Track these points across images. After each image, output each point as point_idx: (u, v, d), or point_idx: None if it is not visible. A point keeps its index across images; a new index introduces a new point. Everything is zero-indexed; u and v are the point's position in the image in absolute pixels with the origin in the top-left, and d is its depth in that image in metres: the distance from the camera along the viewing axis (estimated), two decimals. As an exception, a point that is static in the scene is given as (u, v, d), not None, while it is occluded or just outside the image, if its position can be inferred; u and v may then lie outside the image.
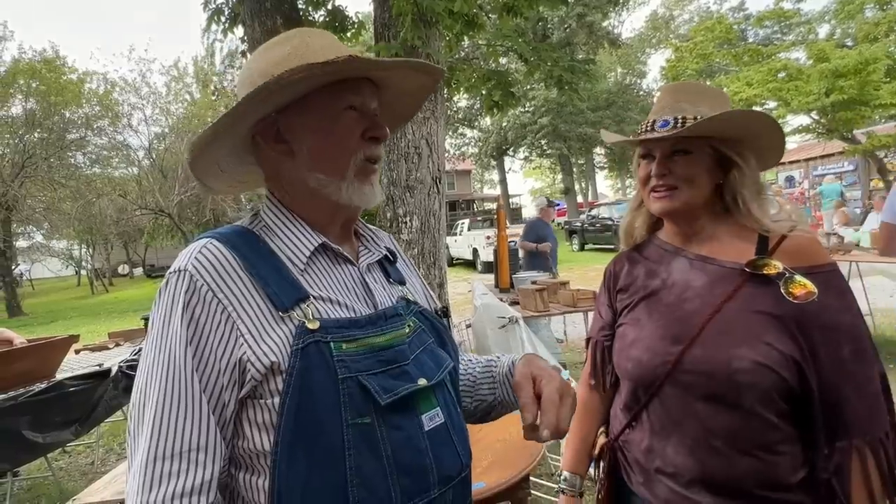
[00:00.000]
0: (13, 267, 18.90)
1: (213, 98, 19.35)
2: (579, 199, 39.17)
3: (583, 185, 43.45)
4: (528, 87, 23.30)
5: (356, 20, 6.87)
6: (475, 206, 33.91)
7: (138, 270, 31.00)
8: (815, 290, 1.00)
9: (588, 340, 1.39)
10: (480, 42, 5.81)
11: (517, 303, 4.38)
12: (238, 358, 0.76)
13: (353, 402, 0.77)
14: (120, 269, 29.82)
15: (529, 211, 45.11)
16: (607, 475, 1.26)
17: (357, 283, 0.92)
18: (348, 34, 7.09)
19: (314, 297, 0.84)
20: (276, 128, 0.87)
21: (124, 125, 19.05)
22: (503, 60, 9.39)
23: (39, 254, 23.10)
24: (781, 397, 1.00)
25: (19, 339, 4.08)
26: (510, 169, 41.95)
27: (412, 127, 4.90)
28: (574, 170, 37.53)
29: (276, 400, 0.75)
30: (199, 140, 0.82)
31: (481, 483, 1.85)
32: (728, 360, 1.01)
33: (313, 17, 6.67)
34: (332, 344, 0.79)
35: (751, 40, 21.09)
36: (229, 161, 0.92)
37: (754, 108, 14.92)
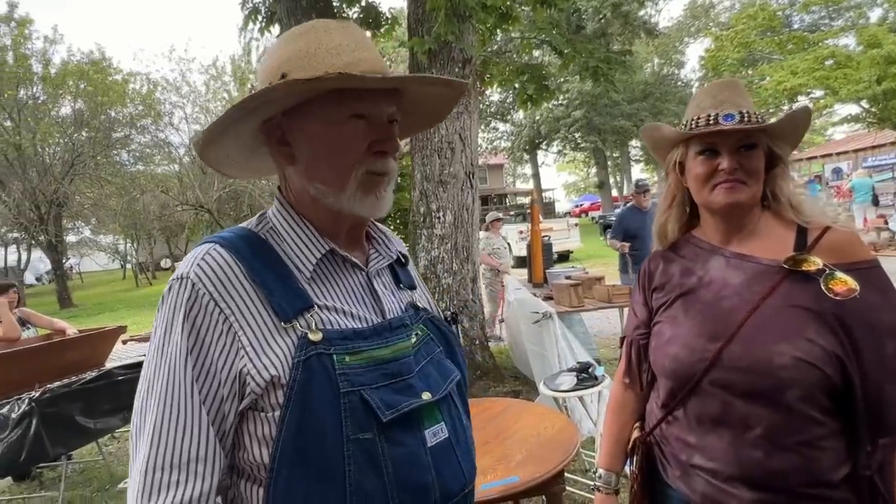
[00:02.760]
0: (64, 260, 19.76)
1: (251, 96, 19.74)
2: (614, 192, 38.53)
3: (617, 178, 42.69)
4: (562, 79, 22.97)
5: (390, 16, 6.91)
6: (507, 201, 33.72)
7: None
8: (857, 287, 0.98)
9: (622, 339, 1.38)
10: (514, 35, 5.76)
11: (551, 298, 4.35)
12: (238, 370, 0.74)
13: (354, 416, 0.75)
14: (162, 263, 30.84)
15: (563, 206, 44.63)
16: (640, 469, 1.26)
17: (365, 290, 0.89)
18: (382, 30, 7.15)
19: (319, 307, 0.81)
20: (280, 130, 0.83)
21: (166, 123, 19.65)
22: (536, 53, 9.30)
23: (88, 248, 24.11)
24: (824, 393, 0.98)
25: (72, 329, 4.29)
26: (543, 163, 41.64)
27: (445, 122, 4.91)
28: (609, 163, 36.90)
29: (277, 413, 0.73)
30: (206, 134, 0.80)
31: (515, 477, 1.86)
32: (769, 357, 1.00)
33: (347, 14, 6.74)
34: (335, 356, 0.77)
35: (796, 27, 20.28)
36: (242, 153, 0.89)
37: (799, 97, 14.39)
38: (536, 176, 38.17)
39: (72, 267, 27.18)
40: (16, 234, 19.78)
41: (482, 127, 31.09)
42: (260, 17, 6.64)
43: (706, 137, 1.12)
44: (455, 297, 4.97)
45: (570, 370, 3.06)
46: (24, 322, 4.32)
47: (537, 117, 30.16)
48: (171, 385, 0.72)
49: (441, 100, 0.94)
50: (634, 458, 1.29)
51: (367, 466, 0.74)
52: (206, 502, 0.71)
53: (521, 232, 14.31)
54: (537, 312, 3.80)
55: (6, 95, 16.81)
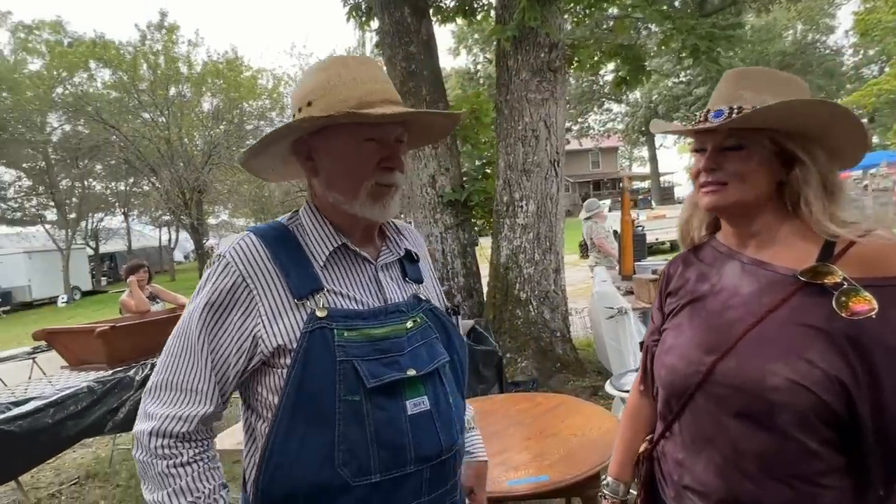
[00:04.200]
0: (204, 241, 22.25)
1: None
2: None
3: (747, 160, 38.72)
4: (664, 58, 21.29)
5: (486, 3, 6.88)
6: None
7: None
8: (876, 306, 0.86)
9: (641, 344, 1.33)
10: (607, 14, 5.47)
11: (633, 293, 4.15)
12: (253, 333, 0.93)
13: (346, 381, 0.91)
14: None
15: (683, 190, 41.63)
16: (643, 485, 1.21)
17: (371, 280, 1.04)
18: (478, 17, 7.14)
19: (328, 290, 0.98)
20: (307, 146, 1.01)
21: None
22: (633, 32, 8.72)
23: (224, 230, 26.89)
24: (824, 422, 0.88)
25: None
26: (661, 145, 39.02)
27: (529, 109, 4.83)
28: (737, 144, 33.59)
29: (285, 371, 0.91)
30: (249, 152, 1.02)
31: (545, 476, 1.84)
32: (761, 376, 0.92)
33: (442, 3, 6.81)
34: (335, 331, 0.93)
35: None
36: (278, 163, 1.09)
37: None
38: (654, 159, 35.97)
39: (212, 247, 30.49)
40: (167, 217, 22.57)
41: (594, 109, 29.87)
42: (360, 13, 6.93)
43: (696, 135, 1.04)
44: (536, 288, 4.91)
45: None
46: (153, 297, 4.97)
47: (654, 96, 28.35)
48: (188, 332, 0.94)
49: (443, 125, 1.14)
50: (640, 473, 1.25)
51: (353, 422, 0.91)
52: (190, 422, 0.91)
53: (634, 220, 13.60)
54: (612, 308, 3.65)
55: (159, 94, 19.14)
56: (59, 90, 19.80)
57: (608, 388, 2.95)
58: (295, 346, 0.91)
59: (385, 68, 6.31)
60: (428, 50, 5.62)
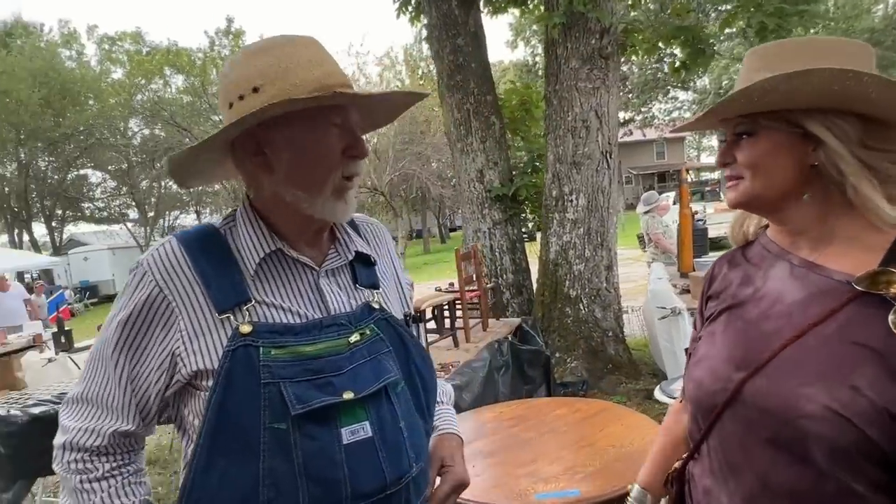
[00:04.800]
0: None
1: (420, 82, 20.78)
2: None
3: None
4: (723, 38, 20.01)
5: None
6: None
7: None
8: None
9: (686, 350, 1.21)
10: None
11: (689, 291, 3.89)
12: (172, 350, 0.84)
13: (272, 406, 0.80)
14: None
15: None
16: None
17: (310, 289, 0.92)
18: (531, 6, 6.95)
19: (257, 301, 0.86)
20: (255, 140, 0.87)
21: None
22: (696, 13, 8.19)
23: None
24: (869, 461, 0.73)
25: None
26: (733, 133, 36.76)
27: (580, 99, 4.64)
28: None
29: (206, 394, 0.82)
30: (178, 158, 0.88)
31: (575, 491, 1.72)
32: (793, 400, 0.78)
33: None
34: (261, 349, 0.82)
35: None
36: (209, 165, 0.95)
37: None
38: (724, 148, 34.01)
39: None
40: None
41: (659, 97, 28.65)
42: (409, 8, 6.91)
43: (720, 126, 0.92)
44: (587, 285, 4.71)
45: (692, 375, 2.71)
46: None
47: (724, 82, 26.84)
48: (103, 348, 0.86)
49: (401, 104, 1.02)
50: (670, 492, 1.13)
51: (279, 454, 0.80)
52: (100, 436, 0.85)
53: (695, 213, 12.98)
54: (664, 307, 3.43)
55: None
56: (139, 97, 21.13)
57: (657, 393, 2.78)
58: (216, 366, 0.81)
59: (433, 63, 6.28)
60: (476, 42, 5.52)
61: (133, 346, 0.85)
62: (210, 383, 0.82)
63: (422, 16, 6.84)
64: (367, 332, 0.93)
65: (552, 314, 4.83)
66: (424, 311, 3.61)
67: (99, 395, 0.86)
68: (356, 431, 0.85)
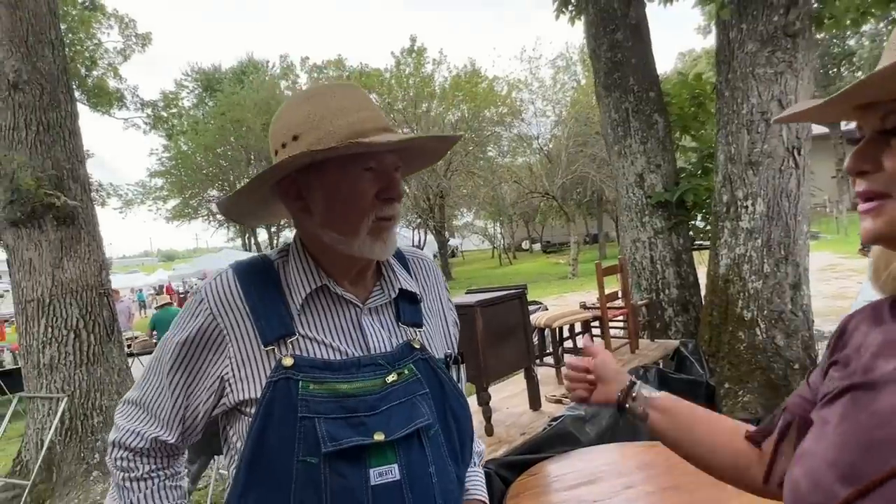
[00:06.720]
0: (448, 241, 24.38)
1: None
2: None
3: None
4: None
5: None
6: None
7: (536, 246, 35.26)
8: None
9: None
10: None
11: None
12: (222, 374, 0.89)
13: (306, 440, 0.83)
14: (523, 245, 34.49)
15: None
16: None
17: (353, 326, 0.94)
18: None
19: (301, 335, 0.89)
20: (295, 186, 0.92)
21: (520, 120, 21.82)
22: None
23: (467, 231, 29.04)
24: None
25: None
26: None
27: (758, 88, 3.97)
28: None
29: (250, 420, 0.86)
30: (226, 201, 0.96)
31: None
32: None
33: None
34: (300, 382, 0.85)
35: None
36: (258, 206, 1.02)
37: None
38: None
39: (456, 246, 33.14)
40: (417, 220, 25.39)
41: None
42: (569, 7, 6.64)
43: (856, 117, 0.64)
44: (766, 306, 3.99)
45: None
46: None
47: None
48: (160, 365, 0.93)
49: (436, 149, 1.04)
50: None
51: (310, 486, 0.83)
52: (145, 439, 0.91)
53: None
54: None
55: (410, 112, 21.62)
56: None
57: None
58: (259, 395, 0.85)
59: (589, 62, 5.91)
60: (637, 35, 5.07)
61: (188, 367, 0.91)
62: (253, 410, 0.86)
63: (580, 17, 6.55)
64: (405, 373, 0.94)
65: (721, 338, 4.20)
66: (558, 329, 3.38)
67: (151, 403, 0.93)
68: (384, 473, 0.86)
